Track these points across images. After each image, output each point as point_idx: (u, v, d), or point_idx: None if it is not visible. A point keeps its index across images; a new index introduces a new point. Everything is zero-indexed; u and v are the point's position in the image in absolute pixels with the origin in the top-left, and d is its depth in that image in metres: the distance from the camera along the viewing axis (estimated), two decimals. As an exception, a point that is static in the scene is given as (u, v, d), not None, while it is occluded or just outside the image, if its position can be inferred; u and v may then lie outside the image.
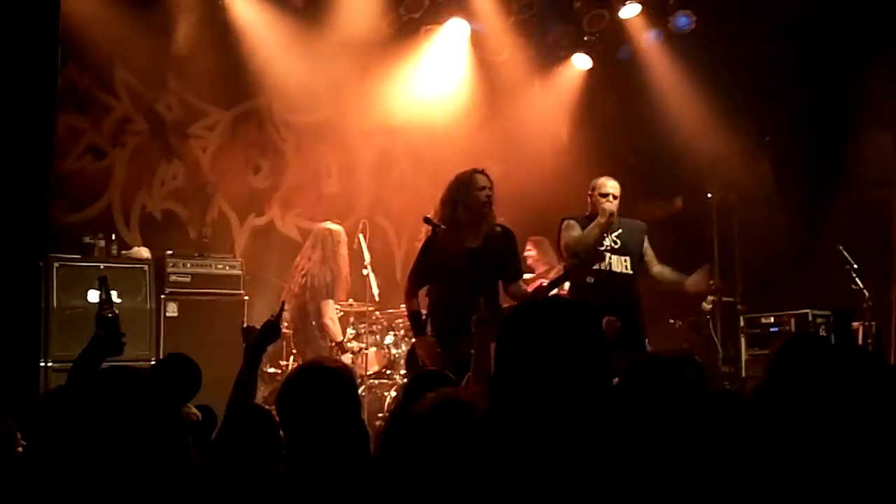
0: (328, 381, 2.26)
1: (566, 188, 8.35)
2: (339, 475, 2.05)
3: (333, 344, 6.73)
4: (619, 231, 5.48)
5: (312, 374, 2.32)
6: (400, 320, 7.09)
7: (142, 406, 2.02)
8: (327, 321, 6.68)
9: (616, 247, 5.47)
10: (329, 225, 7.18)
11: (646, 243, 5.64)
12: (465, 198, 4.72)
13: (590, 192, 5.55)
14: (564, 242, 5.47)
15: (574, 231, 5.42)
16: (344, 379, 2.29)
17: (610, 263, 5.40)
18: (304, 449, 2.12)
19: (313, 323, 6.75)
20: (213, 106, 8.42)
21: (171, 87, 8.20)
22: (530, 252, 7.36)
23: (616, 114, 8.91)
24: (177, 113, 8.24)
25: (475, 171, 4.80)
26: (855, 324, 6.54)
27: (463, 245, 4.71)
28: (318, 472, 2.07)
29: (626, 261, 5.48)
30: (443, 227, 4.72)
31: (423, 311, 4.79)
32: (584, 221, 5.49)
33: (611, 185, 5.50)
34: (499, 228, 4.76)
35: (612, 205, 5.36)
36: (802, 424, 2.08)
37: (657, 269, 5.66)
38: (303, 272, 6.82)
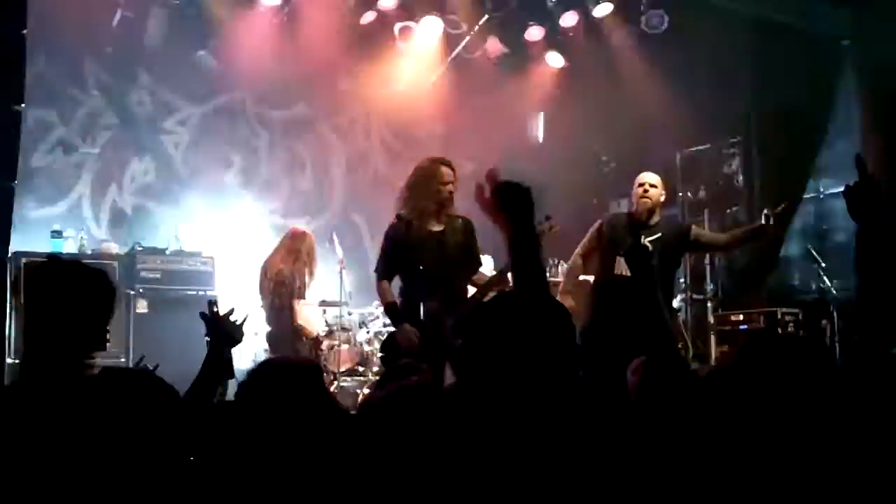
0: (291, 376, 2.26)
1: (539, 188, 8.39)
2: (311, 467, 2.05)
3: (307, 340, 6.72)
4: (659, 235, 5.24)
5: (274, 371, 2.31)
6: (372, 316, 7.09)
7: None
8: (300, 323, 6.66)
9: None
10: (302, 227, 7.17)
11: (694, 232, 5.49)
12: (429, 187, 4.73)
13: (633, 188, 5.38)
14: (577, 250, 5.40)
15: (588, 240, 5.33)
16: (307, 374, 2.28)
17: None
18: (268, 447, 2.11)
19: (288, 324, 6.73)
20: (185, 101, 8.36)
21: (142, 81, 8.14)
22: None
23: (590, 112, 8.94)
24: (148, 108, 8.18)
25: (441, 162, 4.81)
26: (823, 321, 6.63)
27: (427, 229, 4.73)
28: (284, 466, 2.07)
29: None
30: (406, 214, 4.74)
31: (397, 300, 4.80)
32: (616, 220, 5.39)
33: (644, 176, 5.32)
34: (459, 218, 4.77)
35: (648, 200, 5.21)
36: (758, 414, 2.11)
37: (724, 238, 5.74)
38: (276, 273, 6.78)
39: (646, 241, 5.17)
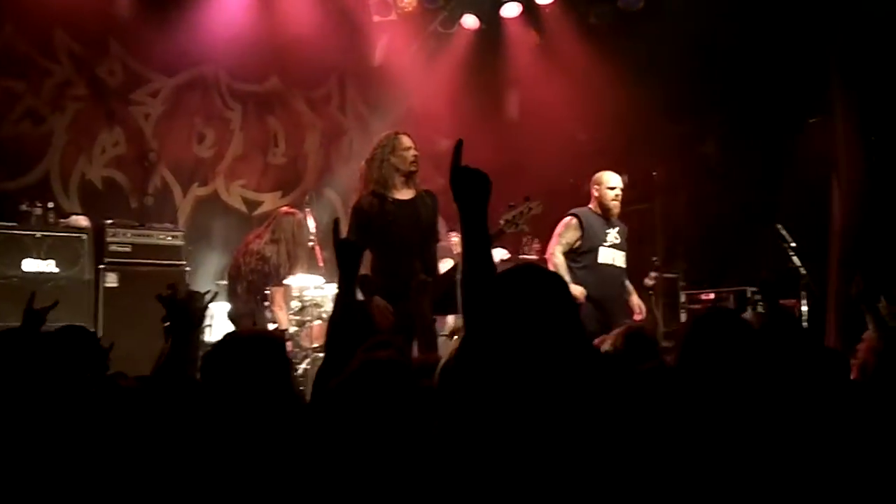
0: (255, 348, 2.25)
1: (515, 169, 8.39)
2: (264, 442, 2.04)
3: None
4: (619, 229, 5.95)
5: (239, 343, 2.30)
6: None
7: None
8: (275, 308, 6.61)
9: (617, 243, 5.91)
10: (288, 209, 7.09)
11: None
12: (393, 157, 4.72)
13: (595, 186, 5.95)
14: (552, 247, 5.84)
15: (571, 237, 5.81)
16: (271, 346, 2.28)
17: (614, 258, 5.86)
18: (228, 417, 2.10)
19: (264, 305, 6.68)
20: (156, 72, 8.24)
21: (113, 51, 8.01)
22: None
23: (566, 90, 8.93)
24: (119, 78, 8.05)
25: (398, 132, 4.82)
26: (793, 301, 6.69)
27: (399, 199, 4.72)
28: (242, 439, 2.06)
29: (623, 256, 5.93)
30: (375, 187, 4.73)
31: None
32: (590, 214, 5.88)
33: (616, 181, 5.93)
34: (425, 190, 4.78)
35: (618, 202, 5.89)
36: (710, 399, 2.13)
37: None
38: (255, 254, 6.71)
39: (615, 234, 5.88)
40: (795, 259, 6.18)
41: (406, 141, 4.79)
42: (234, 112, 8.63)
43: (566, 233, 5.85)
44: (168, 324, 2.76)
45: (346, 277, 2.78)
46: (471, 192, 2.10)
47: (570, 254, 5.83)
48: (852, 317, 5.83)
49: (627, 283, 6.02)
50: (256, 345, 2.27)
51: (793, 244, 6.17)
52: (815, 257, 6.78)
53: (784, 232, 6.16)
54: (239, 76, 8.61)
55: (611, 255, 5.87)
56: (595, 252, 5.81)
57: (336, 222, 2.93)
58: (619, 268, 5.91)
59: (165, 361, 2.63)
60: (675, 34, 7.89)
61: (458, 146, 2.19)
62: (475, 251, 2.05)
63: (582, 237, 5.83)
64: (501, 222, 4.58)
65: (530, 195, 4.78)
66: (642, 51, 8.22)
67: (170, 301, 2.75)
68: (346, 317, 2.70)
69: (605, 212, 5.90)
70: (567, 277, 5.70)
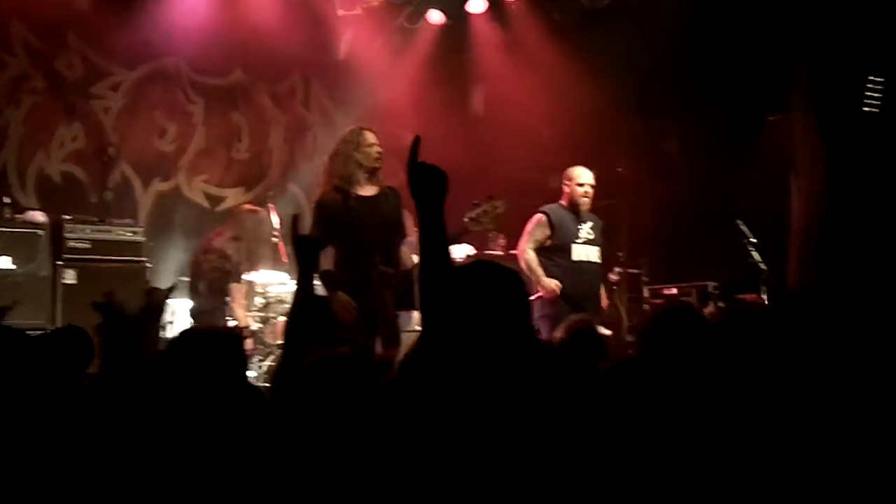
0: (211, 345, 2.24)
1: (481, 164, 8.40)
2: (219, 438, 2.03)
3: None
4: (592, 224, 5.94)
5: (194, 339, 2.29)
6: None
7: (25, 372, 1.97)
8: (235, 306, 6.56)
9: (591, 238, 5.90)
10: (249, 206, 7.02)
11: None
12: (357, 153, 4.70)
13: (566, 182, 5.94)
14: (523, 244, 5.83)
15: (540, 234, 5.80)
16: (227, 343, 2.27)
17: (588, 254, 5.86)
18: (180, 413, 2.08)
19: (225, 303, 6.62)
20: (117, 65, 8.11)
21: (71, 44, 7.87)
22: None
23: (531, 86, 8.95)
24: (78, 71, 7.91)
25: (362, 128, 4.80)
26: (752, 295, 6.77)
27: (362, 195, 4.70)
28: (194, 435, 2.04)
29: (597, 251, 5.94)
30: (338, 182, 4.70)
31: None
32: (561, 210, 5.87)
33: (587, 177, 5.91)
34: (388, 186, 4.76)
35: (588, 199, 5.88)
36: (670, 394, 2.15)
37: None
38: (216, 252, 6.64)
39: (588, 229, 5.88)
40: (755, 255, 6.25)
41: (370, 137, 4.77)
42: (196, 106, 8.53)
43: (536, 230, 5.86)
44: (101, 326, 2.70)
45: (304, 273, 2.78)
46: (428, 188, 2.09)
47: (544, 251, 5.83)
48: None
49: None
50: (212, 341, 2.26)
51: (753, 240, 6.25)
52: (774, 253, 6.88)
53: (744, 228, 6.23)
54: (202, 69, 8.51)
55: (584, 252, 5.87)
56: (568, 250, 5.81)
57: (295, 218, 2.92)
58: (595, 263, 5.92)
59: (101, 368, 2.60)
60: (639, 32, 7.94)
61: (416, 143, 2.18)
62: (432, 247, 2.04)
63: (552, 234, 5.83)
64: (466, 220, 4.58)
65: (495, 193, 4.80)
66: (606, 48, 8.26)
67: (106, 308, 2.70)
68: (304, 313, 2.68)
69: (575, 207, 5.90)
70: (539, 272, 5.73)
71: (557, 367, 1.96)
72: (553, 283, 5.65)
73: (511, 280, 1.91)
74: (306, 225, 4.72)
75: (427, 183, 2.11)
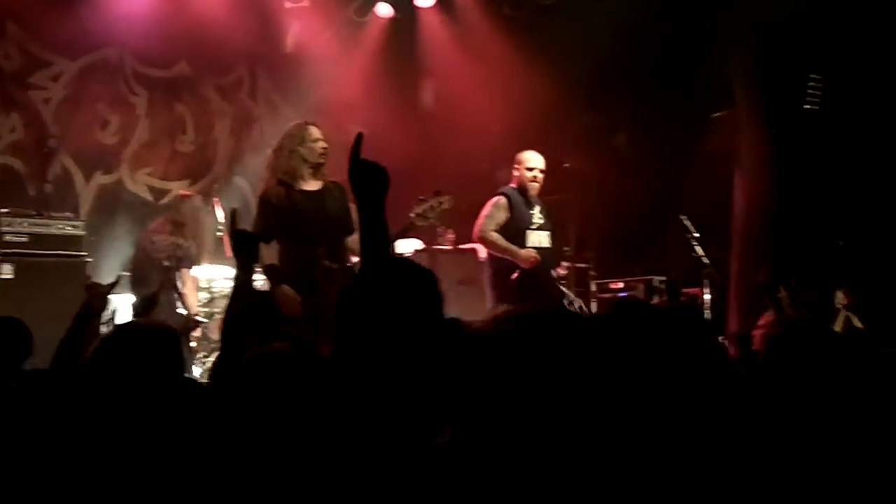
0: (147, 339, 2.21)
1: (430, 158, 8.39)
2: (153, 431, 2.00)
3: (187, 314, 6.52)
4: (540, 208, 5.94)
5: (130, 333, 2.26)
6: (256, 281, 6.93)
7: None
8: (187, 291, 6.45)
9: (542, 223, 5.91)
10: (186, 192, 6.91)
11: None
12: (301, 149, 4.66)
13: (516, 166, 5.95)
14: (483, 226, 5.78)
15: (501, 216, 5.77)
16: (163, 338, 2.24)
17: (541, 240, 5.84)
18: (114, 407, 2.05)
19: (175, 292, 6.51)
20: (58, 55, 7.92)
21: (10, 33, 7.66)
22: None
23: (480, 80, 8.96)
24: (16, 62, 7.71)
25: (308, 123, 4.77)
26: (695, 289, 6.87)
27: (306, 190, 4.66)
28: (128, 429, 2.01)
29: (548, 236, 5.93)
30: (283, 177, 4.66)
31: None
32: (517, 194, 5.87)
33: (537, 161, 5.91)
34: (333, 182, 4.73)
35: (537, 184, 5.88)
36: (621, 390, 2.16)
37: None
38: (166, 242, 6.51)
39: (539, 214, 5.88)
40: (698, 249, 6.34)
41: (315, 132, 4.74)
42: (139, 98, 8.37)
43: (496, 212, 5.82)
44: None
45: (244, 268, 2.74)
46: (369, 185, 2.08)
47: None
48: (753, 304, 6.04)
49: None
50: (147, 337, 2.23)
51: (696, 235, 6.33)
52: (718, 247, 6.99)
53: (688, 223, 6.31)
54: (145, 60, 8.35)
55: (538, 238, 5.86)
56: (522, 237, 5.79)
57: (233, 213, 2.89)
58: (548, 249, 5.91)
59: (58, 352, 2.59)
60: (588, 27, 8.00)
61: (358, 139, 2.17)
62: (372, 244, 2.03)
63: (510, 217, 5.80)
64: (412, 215, 4.57)
65: (444, 187, 4.79)
66: (556, 43, 8.31)
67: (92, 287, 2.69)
68: (243, 308, 2.65)
69: (524, 192, 5.89)
70: (512, 247, 5.69)
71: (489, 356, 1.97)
72: (532, 253, 5.62)
73: (422, 277, 1.90)
74: (248, 220, 4.67)
75: (368, 180, 2.10)
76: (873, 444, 2.15)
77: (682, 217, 6.24)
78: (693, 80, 7.90)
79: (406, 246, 6.31)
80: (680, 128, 8.19)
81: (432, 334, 1.77)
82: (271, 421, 1.91)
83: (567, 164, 8.10)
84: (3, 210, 6.60)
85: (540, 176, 5.91)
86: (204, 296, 6.74)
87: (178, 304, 6.49)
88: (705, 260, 6.35)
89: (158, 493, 1.97)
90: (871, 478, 2.11)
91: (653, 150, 8.29)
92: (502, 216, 5.80)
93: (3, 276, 6.27)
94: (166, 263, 6.34)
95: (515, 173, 5.96)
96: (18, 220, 6.51)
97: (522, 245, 5.76)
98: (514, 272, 5.69)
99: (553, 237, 6.04)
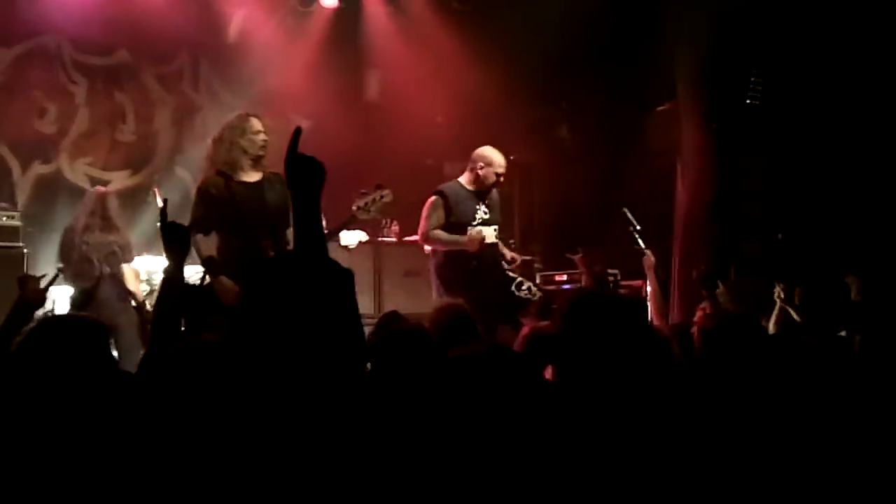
0: (74, 331, 2.19)
1: (375, 149, 8.36)
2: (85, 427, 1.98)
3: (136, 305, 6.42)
4: (489, 202, 5.81)
5: (55, 325, 2.23)
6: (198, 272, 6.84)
7: None
8: (132, 287, 6.34)
9: (487, 218, 5.78)
10: (101, 189, 6.76)
11: None
12: (242, 140, 4.63)
13: (482, 164, 5.75)
14: (425, 228, 5.70)
15: (440, 215, 5.67)
16: (90, 330, 2.22)
17: (484, 236, 5.67)
18: (42, 401, 2.03)
19: (119, 289, 6.39)
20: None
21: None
22: None
23: (427, 72, 8.94)
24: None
25: (249, 114, 4.73)
26: (639, 282, 6.96)
27: (245, 181, 4.63)
28: (56, 422, 1.99)
29: (495, 230, 5.81)
30: (222, 167, 4.62)
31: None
32: (460, 190, 5.74)
33: (502, 164, 5.77)
34: (274, 173, 4.70)
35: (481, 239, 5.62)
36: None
37: None
38: (100, 237, 6.38)
39: (484, 209, 5.75)
40: (640, 242, 6.41)
41: (257, 124, 4.70)
42: (78, 86, 8.19)
43: (433, 213, 5.75)
44: None
45: (174, 260, 2.72)
46: (305, 179, 2.07)
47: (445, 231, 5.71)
48: (694, 297, 6.15)
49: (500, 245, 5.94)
50: (75, 328, 2.21)
51: (638, 227, 6.40)
52: (661, 239, 7.09)
53: (630, 216, 6.38)
54: (84, 48, 8.17)
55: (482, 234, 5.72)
56: (463, 233, 5.69)
57: (164, 205, 2.88)
58: (493, 244, 5.82)
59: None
60: (534, 20, 8.03)
61: (296, 133, 2.15)
62: (306, 237, 2.01)
63: (448, 215, 5.72)
64: (354, 208, 4.55)
65: (388, 180, 4.79)
66: (501, 35, 8.33)
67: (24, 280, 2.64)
68: (173, 300, 2.63)
69: (480, 189, 5.79)
70: (454, 237, 5.63)
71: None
72: (473, 233, 5.54)
73: (343, 276, 1.88)
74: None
75: (304, 174, 2.08)
76: (796, 430, 2.21)
77: (625, 209, 6.30)
78: (636, 74, 7.99)
79: (351, 238, 6.28)
80: (623, 121, 8.28)
81: (333, 335, 1.75)
82: (197, 411, 1.90)
83: (512, 157, 8.13)
84: (-67, 200, 6.44)
85: (502, 180, 5.87)
86: (143, 287, 6.62)
87: (128, 299, 6.38)
88: (648, 252, 6.43)
89: (81, 484, 1.95)
90: (795, 462, 2.17)
91: (596, 143, 8.38)
92: (441, 215, 5.73)
93: (-65, 268, 6.11)
94: (103, 263, 6.21)
95: (480, 171, 5.79)
96: (-50, 210, 6.35)
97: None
98: (462, 261, 5.65)
99: (501, 231, 5.96)
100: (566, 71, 8.35)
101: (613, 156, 8.22)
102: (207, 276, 4.59)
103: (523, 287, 5.89)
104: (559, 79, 8.37)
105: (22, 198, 7.69)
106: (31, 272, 6.30)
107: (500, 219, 5.95)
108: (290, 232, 4.68)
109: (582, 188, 8.28)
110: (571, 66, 8.33)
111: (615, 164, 8.18)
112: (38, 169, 7.93)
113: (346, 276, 1.81)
